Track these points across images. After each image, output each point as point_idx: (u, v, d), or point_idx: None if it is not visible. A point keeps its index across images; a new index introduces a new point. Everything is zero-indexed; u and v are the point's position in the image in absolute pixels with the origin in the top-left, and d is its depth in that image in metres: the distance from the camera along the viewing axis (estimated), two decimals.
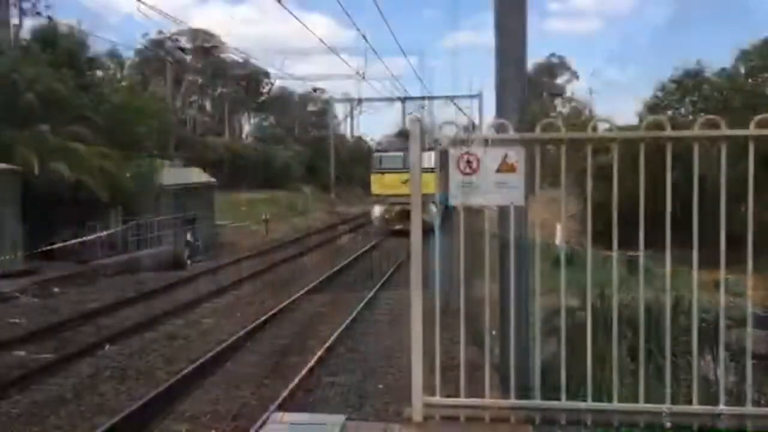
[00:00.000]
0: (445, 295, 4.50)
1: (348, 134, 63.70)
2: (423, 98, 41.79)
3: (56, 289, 17.41)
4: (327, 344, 11.37)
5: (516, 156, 4.22)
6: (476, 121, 39.97)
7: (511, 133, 4.35)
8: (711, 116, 4.19)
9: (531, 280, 4.72)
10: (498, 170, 4.21)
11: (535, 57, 74.65)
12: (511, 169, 4.21)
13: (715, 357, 5.68)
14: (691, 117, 25.30)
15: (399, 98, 37.41)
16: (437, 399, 4.43)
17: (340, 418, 4.53)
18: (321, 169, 51.80)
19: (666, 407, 4.18)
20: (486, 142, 4.38)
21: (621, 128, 4.68)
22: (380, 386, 9.43)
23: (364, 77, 28.57)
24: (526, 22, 5.48)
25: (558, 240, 6.53)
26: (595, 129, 4.50)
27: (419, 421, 4.35)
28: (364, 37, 25.20)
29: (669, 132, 4.17)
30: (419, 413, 4.37)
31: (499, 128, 4.50)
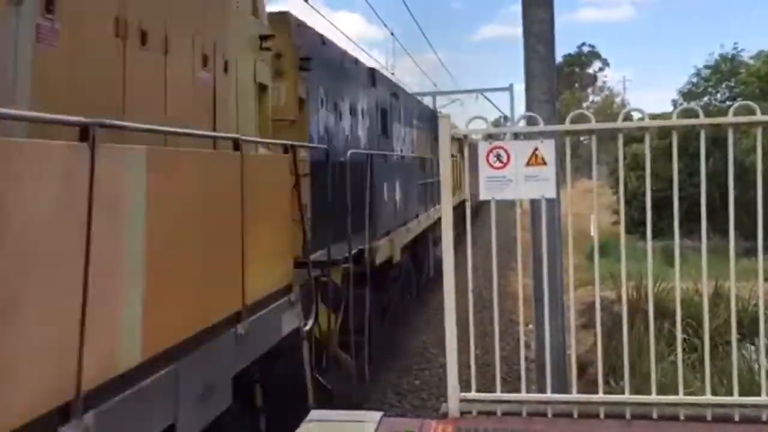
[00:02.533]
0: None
1: None
2: (453, 92, 41.58)
3: None
4: None
5: (546, 148, 4.19)
6: (507, 114, 39.62)
7: (541, 126, 4.32)
8: (746, 102, 4.10)
9: (565, 273, 4.68)
10: (528, 163, 4.18)
11: (565, 47, 74.00)
12: (542, 161, 4.17)
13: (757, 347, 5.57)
14: (727, 103, 24.75)
15: (430, 93, 37.23)
16: (473, 394, 4.42)
17: (377, 415, 4.55)
18: None
19: (706, 399, 4.12)
20: (515, 135, 4.36)
21: (654, 116, 4.61)
22: None
23: (393, 73, 28.55)
24: (553, 13, 5.44)
25: (593, 231, 6.48)
26: (627, 118, 4.43)
27: (456, 417, 4.35)
28: (392, 33, 25.06)
29: (702, 119, 4.09)
30: (456, 408, 4.36)
31: (529, 121, 4.47)
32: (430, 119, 17.53)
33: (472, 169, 4.34)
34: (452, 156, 4.51)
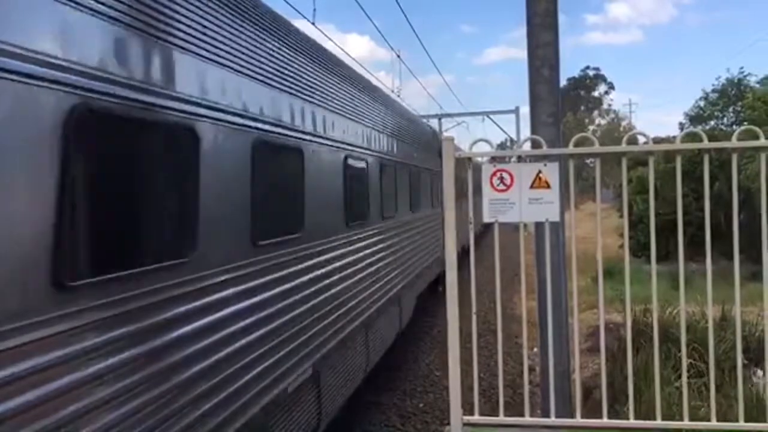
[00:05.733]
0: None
1: None
2: (459, 115, 41.64)
3: None
4: None
5: (550, 171, 4.19)
6: (514, 136, 39.63)
7: (544, 149, 4.32)
8: (750, 126, 4.10)
9: (570, 297, 4.65)
10: (532, 186, 4.18)
11: (572, 70, 74.39)
12: (546, 184, 4.17)
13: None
14: (734, 127, 24.72)
15: (436, 115, 37.28)
16: (477, 418, 4.38)
17: None
18: None
19: (711, 425, 4.07)
20: (519, 157, 4.36)
21: (659, 140, 4.61)
22: None
23: (399, 95, 28.70)
24: (558, 36, 5.47)
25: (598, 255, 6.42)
26: (633, 142, 4.43)
27: None
28: (398, 56, 25.09)
29: (706, 143, 4.09)
30: None
31: (533, 143, 4.47)
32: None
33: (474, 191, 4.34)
34: None
